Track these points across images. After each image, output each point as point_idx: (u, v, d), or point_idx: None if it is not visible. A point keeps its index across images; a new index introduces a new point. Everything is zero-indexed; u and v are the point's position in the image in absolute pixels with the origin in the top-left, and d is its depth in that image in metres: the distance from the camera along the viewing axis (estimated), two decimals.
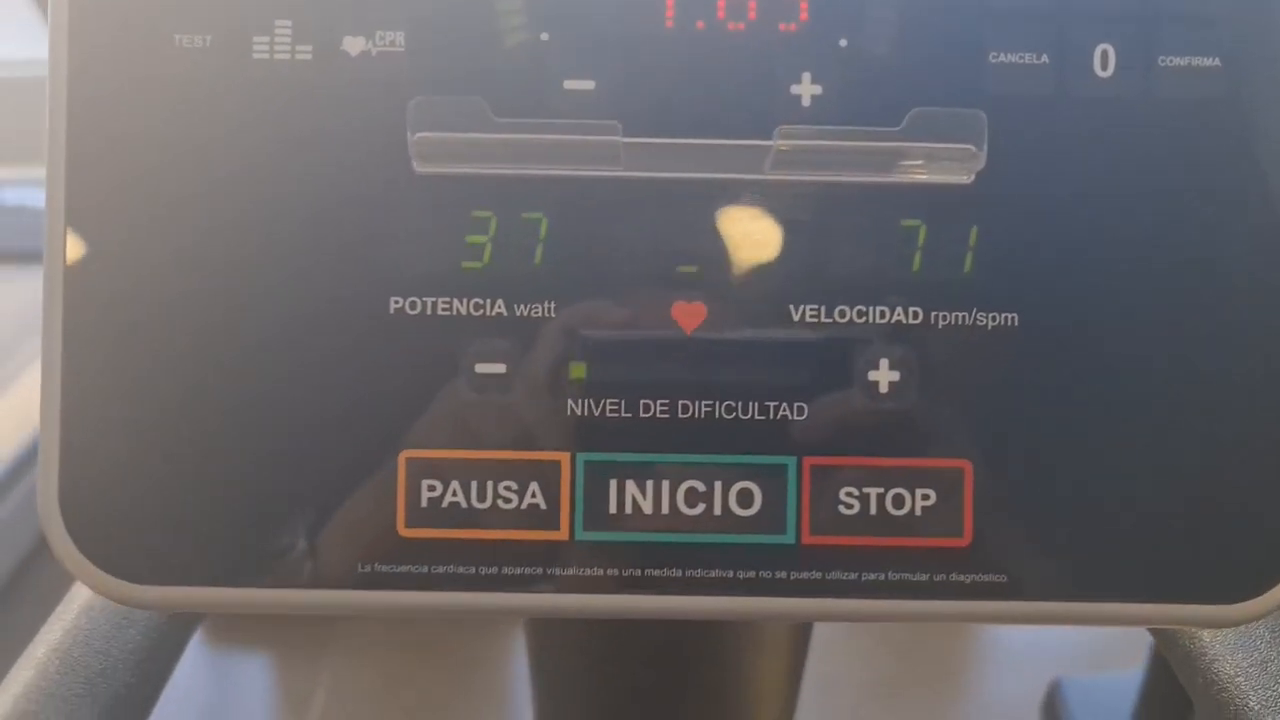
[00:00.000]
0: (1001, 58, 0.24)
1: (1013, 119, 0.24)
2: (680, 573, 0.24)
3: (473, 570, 0.24)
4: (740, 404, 0.24)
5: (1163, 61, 0.24)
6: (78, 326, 0.23)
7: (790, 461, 0.24)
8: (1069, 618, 0.24)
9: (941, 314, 0.24)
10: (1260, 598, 0.24)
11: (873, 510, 0.24)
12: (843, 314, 0.24)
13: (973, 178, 0.24)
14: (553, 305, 0.24)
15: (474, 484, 0.24)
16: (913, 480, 0.24)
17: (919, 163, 0.24)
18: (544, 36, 0.24)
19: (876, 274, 0.24)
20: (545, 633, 0.42)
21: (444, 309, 0.24)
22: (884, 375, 0.24)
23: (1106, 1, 0.24)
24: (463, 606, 0.24)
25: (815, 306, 0.24)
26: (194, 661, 1.12)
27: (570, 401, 0.24)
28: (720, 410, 0.24)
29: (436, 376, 0.24)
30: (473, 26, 0.24)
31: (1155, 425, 0.24)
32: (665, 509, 0.24)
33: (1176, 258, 0.24)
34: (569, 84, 0.24)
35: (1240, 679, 0.27)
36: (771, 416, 0.24)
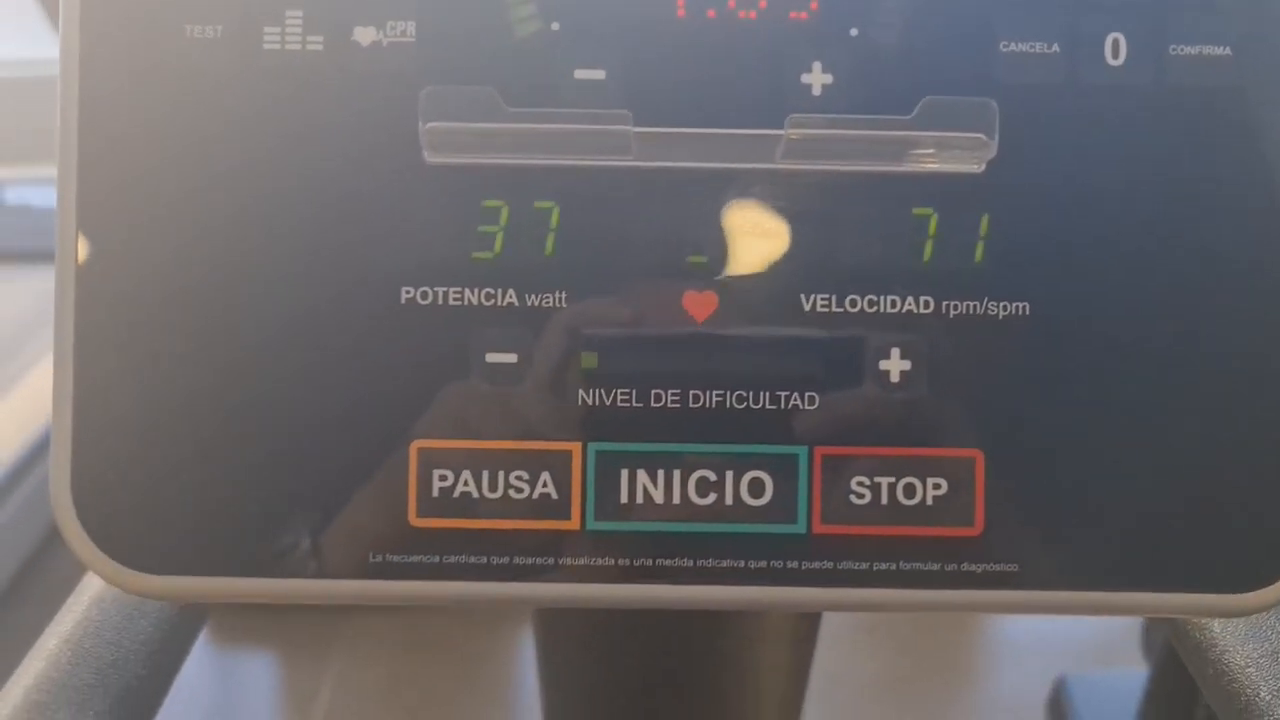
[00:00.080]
0: (1013, 46, 0.24)
1: (1024, 108, 0.24)
2: (691, 562, 0.24)
3: (484, 560, 0.24)
4: (751, 394, 0.24)
5: (1174, 50, 0.24)
6: (90, 316, 0.23)
7: (801, 451, 0.24)
8: (1079, 607, 0.24)
9: (953, 303, 0.24)
10: (1271, 587, 0.24)
11: (884, 500, 0.24)
12: (854, 303, 0.24)
13: (984, 167, 0.24)
14: (564, 295, 0.24)
15: (485, 474, 0.24)
16: (924, 470, 0.24)
17: (930, 152, 0.24)
18: (555, 26, 0.24)
19: (887, 263, 0.24)
20: (554, 624, 0.42)
21: (455, 299, 0.24)
22: (895, 365, 0.24)
23: None
24: (473, 596, 0.24)
25: (826, 296, 0.24)
26: (200, 660, 1.12)
27: (581, 391, 0.24)
28: (731, 400, 0.24)
29: (448, 367, 0.24)
30: (483, 17, 0.24)
31: (1167, 414, 0.24)
32: (676, 499, 0.24)
33: (1187, 246, 0.24)
34: (580, 74, 0.24)
35: (1251, 669, 0.27)
36: (783, 406, 0.24)
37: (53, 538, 0.85)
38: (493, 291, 0.24)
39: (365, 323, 0.24)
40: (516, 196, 0.24)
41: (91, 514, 0.23)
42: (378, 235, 0.24)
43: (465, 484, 0.24)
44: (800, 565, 0.24)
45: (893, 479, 0.24)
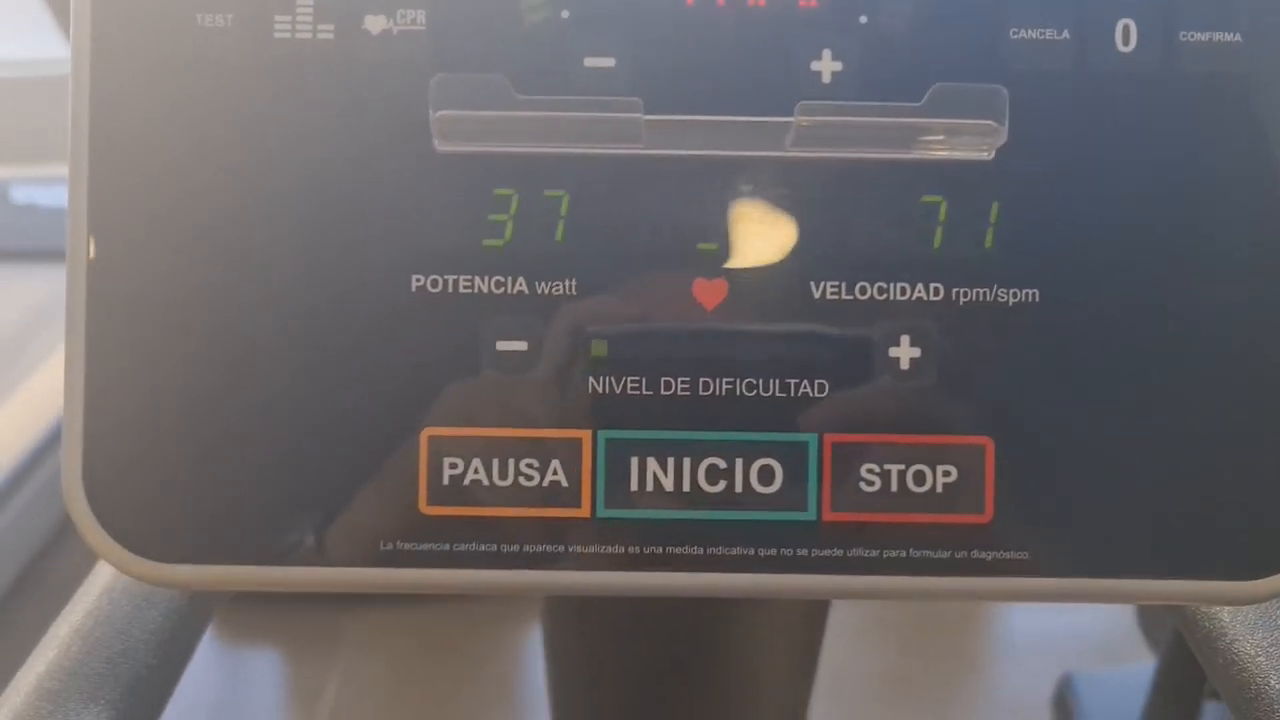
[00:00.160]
0: (1023, 33, 0.24)
1: (1034, 94, 0.24)
2: (701, 550, 0.24)
3: (494, 548, 0.24)
4: (761, 381, 0.24)
5: (1184, 37, 0.24)
6: (101, 306, 0.23)
7: (811, 439, 0.24)
8: (1089, 595, 0.24)
9: (963, 290, 0.24)
10: None
11: (894, 487, 0.24)
12: (864, 291, 0.24)
13: (994, 153, 0.24)
14: (574, 283, 0.24)
15: (495, 462, 0.24)
16: (934, 457, 0.24)
17: (940, 139, 0.24)
18: (565, 14, 0.24)
19: (897, 251, 0.24)
20: (563, 613, 0.42)
21: (465, 287, 0.24)
22: (905, 352, 0.24)
23: None
24: (484, 584, 0.24)
25: (836, 284, 0.24)
26: (206, 657, 1.13)
27: (591, 379, 0.24)
28: (741, 388, 0.24)
29: (458, 355, 0.24)
30: (494, 4, 0.24)
31: (1177, 401, 0.24)
32: (686, 486, 0.24)
33: (1198, 234, 0.24)
34: (590, 61, 0.24)
35: (1261, 658, 0.27)
36: (792, 394, 0.24)
37: (55, 539, 0.85)
38: (503, 279, 0.24)
39: (376, 311, 0.24)
40: (527, 184, 0.24)
41: (103, 502, 0.23)
42: (388, 224, 0.24)
43: (475, 472, 0.24)
44: (810, 552, 0.24)
45: (902, 466, 0.24)
